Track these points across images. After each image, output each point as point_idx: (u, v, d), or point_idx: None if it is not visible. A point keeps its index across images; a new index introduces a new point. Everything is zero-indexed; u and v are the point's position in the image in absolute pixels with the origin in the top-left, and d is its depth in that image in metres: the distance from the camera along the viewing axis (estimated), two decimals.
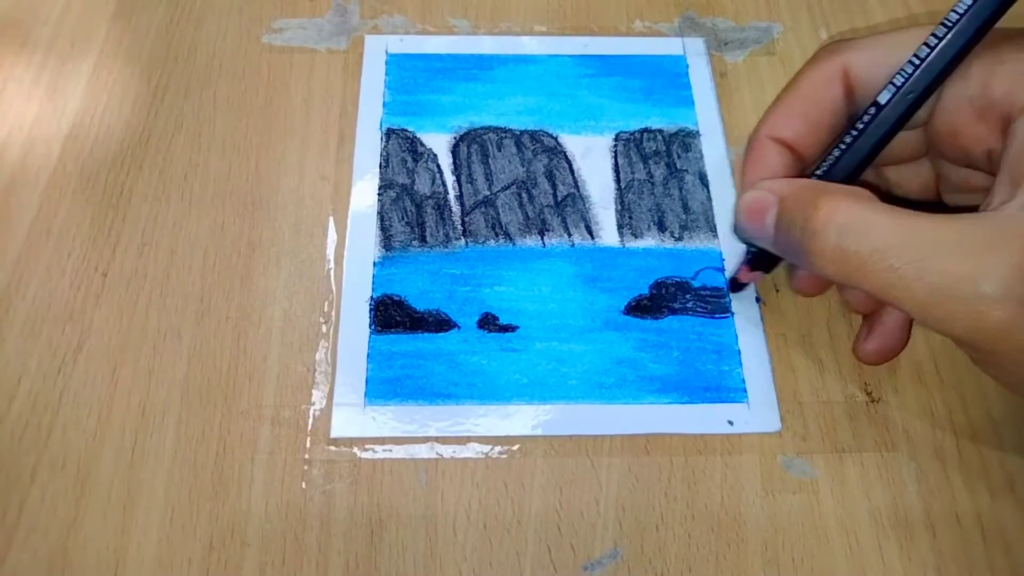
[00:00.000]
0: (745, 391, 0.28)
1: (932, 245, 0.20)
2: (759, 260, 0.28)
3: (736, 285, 0.30)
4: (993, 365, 0.21)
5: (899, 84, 0.24)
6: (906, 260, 0.20)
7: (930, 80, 0.23)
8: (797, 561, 0.26)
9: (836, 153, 0.25)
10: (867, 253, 0.21)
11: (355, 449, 0.27)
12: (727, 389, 0.28)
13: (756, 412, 0.28)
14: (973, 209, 0.22)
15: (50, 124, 0.34)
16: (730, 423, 0.28)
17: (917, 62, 0.23)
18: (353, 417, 0.28)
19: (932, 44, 0.23)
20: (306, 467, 0.27)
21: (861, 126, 0.25)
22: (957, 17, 0.22)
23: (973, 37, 0.22)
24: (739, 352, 0.29)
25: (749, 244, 0.27)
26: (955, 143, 0.24)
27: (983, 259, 0.19)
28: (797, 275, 0.28)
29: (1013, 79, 0.22)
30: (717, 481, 0.27)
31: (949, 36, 0.23)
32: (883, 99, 0.24)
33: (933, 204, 0.28)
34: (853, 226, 0.21)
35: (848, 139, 0.25)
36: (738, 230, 0.26)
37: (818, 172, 0.26)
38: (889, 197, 0.28)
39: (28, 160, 0.33)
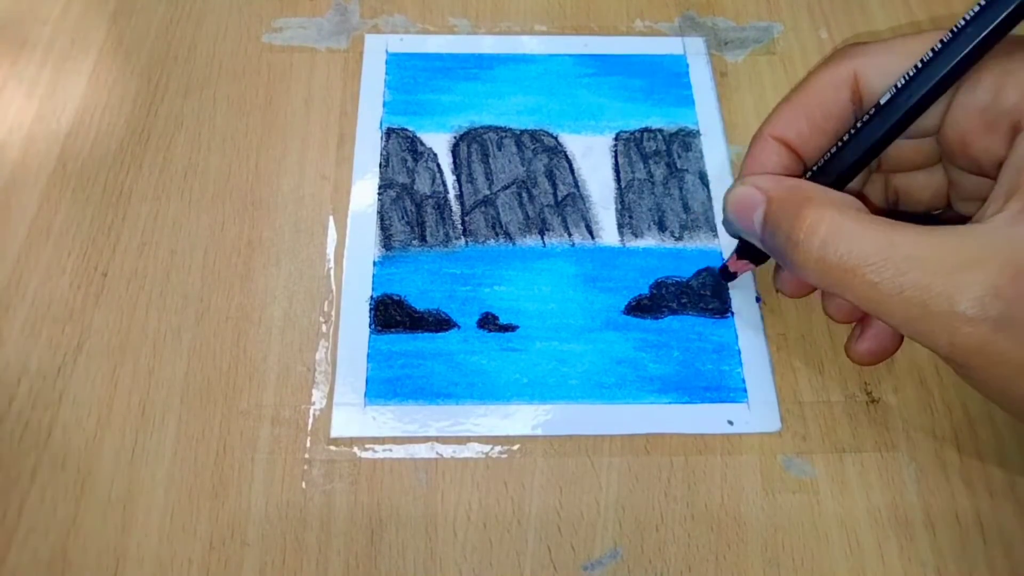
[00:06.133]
0: (745, 391, 0.28)
1: (911, 261, 0.20)
2: (748, 251, 0.28)
3: (727, 274, 0.30)
4: (971, 378, 0.21)
5: (900, 87, 0.23)
6: (885, 276, 0.20)
7: (931, 86, 0.23)
8: (797, 561, 0.26)
9: (832, 151, 0.25)
10: (849, 267, 0.21)
11: (355, 449, 0.27)
12: (727, 389, 0.28)
13: (756, 412, 0.28)
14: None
15: (50, 123, 0.33)
16: (730, 423, 0.28)
17: (920, 66, 0.23)
18: (353, 417, 0.28)
19: (937, 49, 0.22)
20: (306, 467, 0.27)
21: (859, 125, 0.24)
22: (964, 24, 0.22)
23: (979, 46, 0.22)
24: (739, 352, 0.29)
25: (737, 236, 0.27)
26: (965, 152, 0.23)
27: (959, 277, 0.19)
28: (780, 276, 0.28)
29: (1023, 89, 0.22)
30: (717, 481, 0.27)
31: (953, 44, 0.22)
32: (883, 101, 0.24)
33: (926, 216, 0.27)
34: (835, 239, 0.21)
35: (846, 137, 0.25)
36: (726, 223, 0.26)
37: (813, 168, 0.26)
38: (894, 212, 0.28)
39: (28, 159, 0.33)
